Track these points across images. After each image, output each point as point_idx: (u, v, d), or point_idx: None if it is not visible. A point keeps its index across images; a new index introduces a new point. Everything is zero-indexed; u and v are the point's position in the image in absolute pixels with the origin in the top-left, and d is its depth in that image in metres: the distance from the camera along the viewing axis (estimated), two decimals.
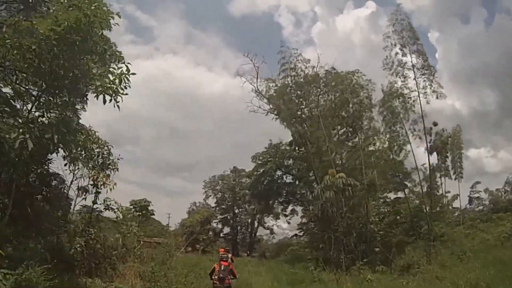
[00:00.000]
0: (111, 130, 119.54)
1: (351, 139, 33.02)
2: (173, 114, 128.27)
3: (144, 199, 52.89)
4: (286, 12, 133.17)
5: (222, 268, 10.97)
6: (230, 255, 12.14)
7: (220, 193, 73.96)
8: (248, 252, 56.48)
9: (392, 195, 32.32)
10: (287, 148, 45.22)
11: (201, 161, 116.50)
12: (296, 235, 50.25)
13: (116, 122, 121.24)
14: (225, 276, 10.85)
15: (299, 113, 32.86)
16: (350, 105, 30.42)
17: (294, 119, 32.66)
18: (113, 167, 18.32)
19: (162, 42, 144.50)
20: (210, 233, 68.85)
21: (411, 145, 27.90)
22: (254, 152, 52.23)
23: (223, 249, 12.65)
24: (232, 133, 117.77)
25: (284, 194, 50.09)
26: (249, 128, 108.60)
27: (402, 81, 26.69)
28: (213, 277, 11.24)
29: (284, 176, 49.67)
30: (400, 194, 31.36)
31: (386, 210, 29.10)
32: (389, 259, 21.68)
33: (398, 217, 26.10)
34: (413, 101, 26.30)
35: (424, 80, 26.13)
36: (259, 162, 49.23)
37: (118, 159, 18.76)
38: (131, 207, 51.98)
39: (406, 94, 26.55)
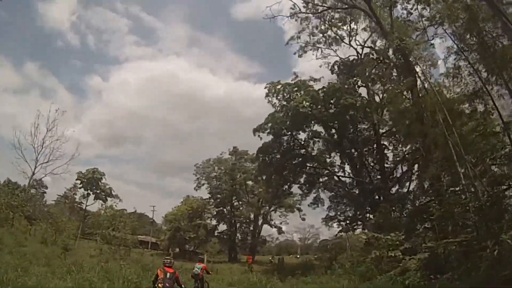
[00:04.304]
0: (112, 129, 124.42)
1: None
2: (175, 115, 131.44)
3: (94, 168, 37.67)
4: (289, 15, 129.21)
5: (168, 276, 9.30)
6: (202, 265, 14.20)
7: (215, 181, 57.78)
8: (250, 257, 39.22)
9: None
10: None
11: None
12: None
13: (118, 121, 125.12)
14: (171, 286, 9.22)
15: None
16: None
17: None
18: None
19: (166, 44, 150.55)
20: (202, 230, 53.02)
21: None
22: None
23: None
24: (235, 135, 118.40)
25: (308, 171, 33.38)
26: (251, 130, 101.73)
27: None
28: (156, 286, 9.46)
29: (312, 143, 32.89)
30: None
31: None
32: None
33: None
34: None
35: None
36: (277, 98, 30.97)
37: None
38: (78, 181, 37.29)
39: None
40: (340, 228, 33.53)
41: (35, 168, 35.10)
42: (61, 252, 16.52)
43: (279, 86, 30.57)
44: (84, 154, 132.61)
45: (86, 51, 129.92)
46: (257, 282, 16.59)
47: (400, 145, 30.91)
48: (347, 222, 33.95)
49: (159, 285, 9.13)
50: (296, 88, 30.02)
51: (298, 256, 61.23)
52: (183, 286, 10.00)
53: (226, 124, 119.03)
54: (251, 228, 57.23)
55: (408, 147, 29.66)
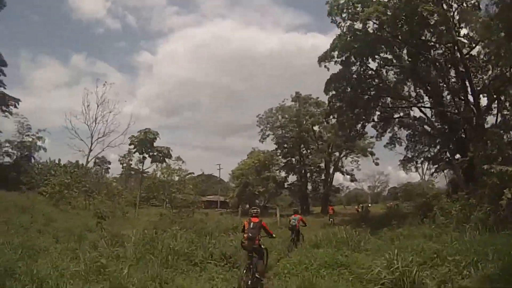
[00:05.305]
0: (168, 100, 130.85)
1: None
2: (228, 76, 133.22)
3: (147, 129, 34.55)
4: None
5: (251, 226, 9.17)
6: (299, 217, 14.99)
7: (280, 130, 53.82)
8: (331, 207, 35.95)
9: None
10: None
11: None
12: None
13: (173, 91, 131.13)
14: (255, 235, 8.96)
15: None
16: None
17: None
18: None
19: (208, 9, 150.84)
20: (271, 183, 50.16)
21: None
22: None
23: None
24: (290, 87, 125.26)
25: (383, 106, 28.17)
26: (307, 80, 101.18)
27: None
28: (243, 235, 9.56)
29: (384, 71, 27.46)
30: None
31: None
32: None
33: None
34: None
35: None
36: (341, 17, 24.52)
37: None
38: (131, 146, 35.38)
39: None
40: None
41: (91, 145, 35.74)
42: (96, 222, 13.89)
43: (342, 1, 24.70)
44: (144, 126, 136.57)
45: (129, 31, 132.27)
46: (347, 238, 12.62)
47: (480, 72, 25.21)
48: (430, 163, 29.37)
49: (244, 235, 9.18)
50: (361, 3, 24.06)
51: (369, 205, 56.95)
52: (272, 233, 9.98)
53: (281, 77, 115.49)
54: (322, 177, 53.09)
55: (489, 72, 24.31)
